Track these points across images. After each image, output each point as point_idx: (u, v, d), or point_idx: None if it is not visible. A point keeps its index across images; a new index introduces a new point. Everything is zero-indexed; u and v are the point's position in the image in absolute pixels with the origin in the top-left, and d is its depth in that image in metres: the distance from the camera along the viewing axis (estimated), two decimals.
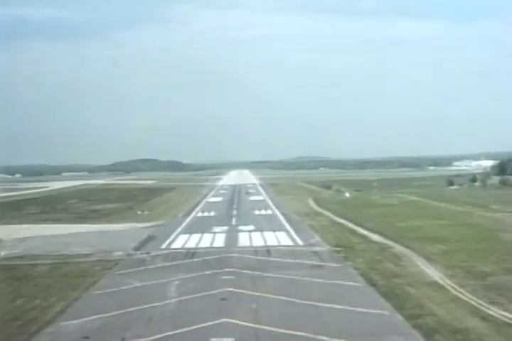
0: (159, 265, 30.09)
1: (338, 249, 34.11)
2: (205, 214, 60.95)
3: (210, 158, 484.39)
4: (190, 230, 45.20)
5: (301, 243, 36.87)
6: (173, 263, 30.49)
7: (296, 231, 42.89)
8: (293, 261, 30.22)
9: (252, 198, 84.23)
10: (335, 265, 29.06)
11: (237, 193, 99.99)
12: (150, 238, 41.13)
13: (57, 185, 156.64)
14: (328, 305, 20.98)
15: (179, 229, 46.11)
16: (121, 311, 20.68)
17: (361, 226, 45.37)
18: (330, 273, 27.14)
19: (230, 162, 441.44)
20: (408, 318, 19.55)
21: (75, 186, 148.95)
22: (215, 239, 39.55)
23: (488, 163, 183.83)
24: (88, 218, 60.30)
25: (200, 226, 48.35)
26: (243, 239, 38.85)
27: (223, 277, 25.79)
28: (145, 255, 33.38)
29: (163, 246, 36.82)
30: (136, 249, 35.88)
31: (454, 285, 24.53)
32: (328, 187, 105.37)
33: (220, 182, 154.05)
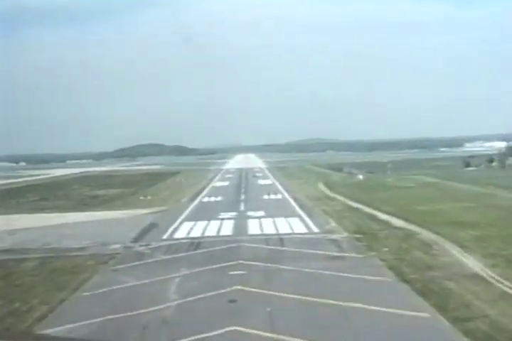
0: (159, 258, 26.73)
1: (358, 236, 30.68)
2: (212, 199, 57.65)
3: (216, 143, 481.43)
4: (195, 217, 41.91)
5: (316, 230, 33.42)
6: (176, 255, 27.13)
7: (310, 216, 39.47)
8: (309, 251, 26.76)
9: (260, 182, 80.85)
10: (357, 255, 25.68)
11: (244, 177, 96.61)
12: (151, 226, 37.86)
13: (60, 172, 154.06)
14: (356, 306, 17.63)
15: (183, 216, 42.84)
16: (111, 317, 17.39)
17: (380, 210, 41.91)
18: (353, 265, 23.77)
19: (235, 146, 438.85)
20: (455, 322, 16.19)
21: (78, 173, 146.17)
22: (223, 226, 36.19)
23: (501, 145, 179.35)
24: (88, 205, 57.13)
25: (207, 212, 45.09)
26: (253, 227, 35.46)
27: (232, 272, 22.45)
28: (144, 247, 30.10)
29: (165, 235, 33.41)
30: (136, 239, 32.57)
31: (498, 277, 21.11)
32: (339, 170, 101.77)
33: (226, 166, 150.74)
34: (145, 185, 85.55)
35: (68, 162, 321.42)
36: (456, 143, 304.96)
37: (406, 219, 36.31)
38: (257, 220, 38.32)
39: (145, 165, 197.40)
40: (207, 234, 33.32)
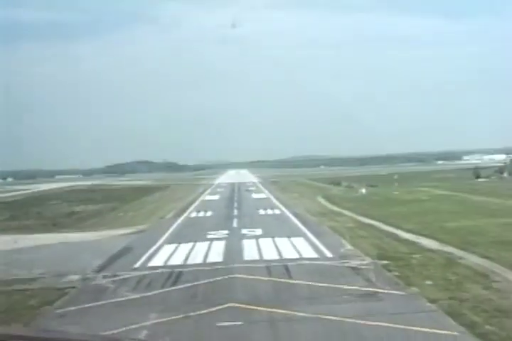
0: (123, 297, 19.57)
1: (385, 262, 23.73)
2: (200, 214, 50.62)
3: (206, 159, 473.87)
4: (179, 237, 34.88)
5: (329, 254, 26.34)
6: (146, 293, 19.98)
7: (318, 236, 32.49)
8: (327, 285, 19.72)
9: (254, 196, 73.90)
10: (393, 292, 18.70)
11: (236, 191, 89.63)
12: (124, 251, 30.75)
13: (44, 187, 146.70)
14: None
15: (165, 236, 35.78)
16: None
17: (399, 228, 35.13)
18: (392, 309, 16.72)
19: (226, 163, 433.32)
20: None
21: (62, 187, 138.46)
22: (212, 249, 29.08)
23: (501, 157, 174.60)
24: (59, 225, 49.85)
25: (193, 230, 38.11)
26: (249, 249, 28.32)
27: (221, 323, 15.42)
28: (108, 279, 23.02)
29: (138, 263, 26.17)
30: (101, 269, 25.43)
31: None
32: (337, 184, 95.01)
33: (217, 181, 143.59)
34: (128, 199, 78.39)
35: (57, 177, 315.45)
36: (452, 156, 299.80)
37: (437, 239, 29.51)
38: (253, 241, 31.29)
39: (134, 180, 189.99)
40: (191, 260, 26.07)
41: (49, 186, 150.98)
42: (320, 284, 19.88)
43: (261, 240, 31.39)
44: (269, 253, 26.79)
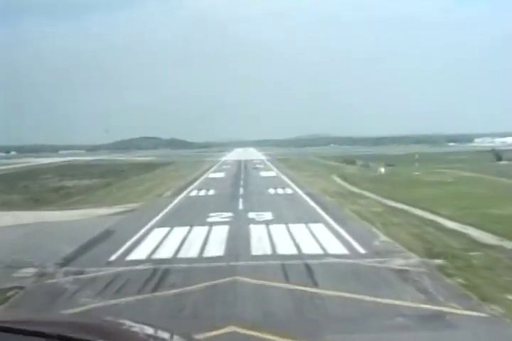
0: (80, 307, 13.88)
1: (439, 262, 17.95)
2: (202, 193, 44.91)
3: (214, 137, 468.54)
4: (173, 219, 29.19)
5: (361, 248, 20.37)
6: (114, 301, 14.27)
7: (341, 222, 26.67)
8: (369, 298, 13.78)
9: (263, 174, 68.06)
10: (469, 314, 12.84)
11: (243, 168, 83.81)
12: (104, 236, 25.10)
13: (43, 161, 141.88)
14: None
15: (157, 218, 30.07)
16: None
17: (437, 213, 29.32)
18: None
19: (233, 141, 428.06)
20: None
21: (61, 162, 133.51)
22: (211, 237, 23.33)
23: None
24: (43, 200, 44.32)
25: (191, 212, 32.45)
26: (258, 240, 22.38)
27: None
28: (70, 277, 17.35)
29: (116, 255, 20.33)
30: (65, 261, 19.74)
31: None
32: (351, 162, 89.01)
33: (224, 158, 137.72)
34: (126, 175, 72.86)
35: (61, 152, 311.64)
36: (463, 138, 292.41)
37: (490, 231, 23.65)
38: (263, 228, 25.50)
39: (138, 156, 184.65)
40: (183, 253, 20.24)
41: (48, 160, 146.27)
42: (357, 296, 14.08)
43: (272, 227, 25.59)
44: (284, 246, 20.96)
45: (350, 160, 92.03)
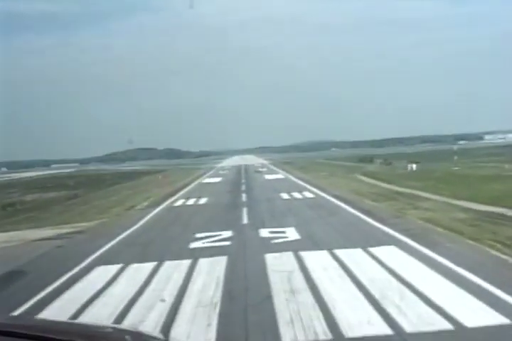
0: None
1: None
2: (190, 201, 32.97)
3: (211, 146, 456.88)
4: (132, 248, 17.22)
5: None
6: None
7: (426, 242, 14.79)
8: None
9: (268, 177, 56.19)
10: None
11: (243, 172, 72.00)
12: (14, 278, 13.48)
13: (26, 175, 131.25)
14: None
15: (108, 246, 17.99)
16: None
17: None
18: None
19: (231, 149, 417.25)
20: None
21: (42, 175, 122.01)
22: (192, 289, 11.40)
23: None
24: None
25: (167, 232, 20.53)
26: (289, 291, 10.48)
27: None
28: None
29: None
30: None
31: None
32: (369, 161, 77.29)
33: (221, 165, 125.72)
34: (104, 184, 61.04)
35: (53, 166, 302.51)
36: (469, 137, 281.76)
37: None
38: (289, 259, 13.66)
39: (129, 166, 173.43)
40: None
41: (32, 174, 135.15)
42: None
43: (306, 257, 13.68)
44: (352, 311, 9.00)
45: (367, 159, 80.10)
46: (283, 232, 17.87)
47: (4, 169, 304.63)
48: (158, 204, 32.21)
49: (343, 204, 25.75)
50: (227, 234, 18.43)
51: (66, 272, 14.07)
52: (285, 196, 32.07)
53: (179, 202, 32.69)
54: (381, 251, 13.97)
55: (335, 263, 12.81)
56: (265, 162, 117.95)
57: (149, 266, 13.96)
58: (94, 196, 44.83)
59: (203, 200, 32.81)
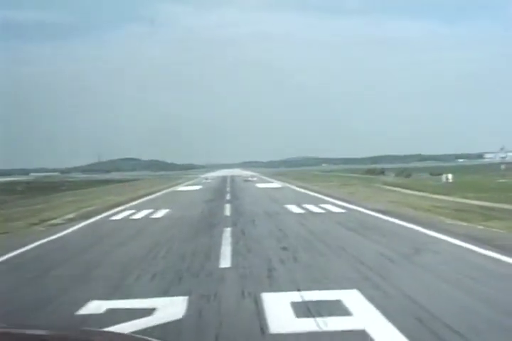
0: None
1: None
2: (139, 214, 20.40)
3: (195, 159, 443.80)
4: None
5: None
6: None
7: None
8: None
9: (260, 185, 43.84)
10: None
11: (229, 181, 59.39)
12: None
13: None
14: None
15: None
16: None
17: None
18: None
19: (216, 163, 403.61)
20: None
21: (4, 181, 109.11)
22: None
23: None
24: None
25: (79, 270, 8.37)
26: None
27: None
28: None
29: None
30: None
31: None
32: (379, 173, 65.46)
33: (205, 175, 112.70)
34: (53, 191, 48.46)
35: (32, 174, 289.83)
36: (467, 156, 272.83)
37: None
38: None
39: (110, 176, 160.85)
40: None
41: None
42: None
43: None
44: None
45: (376, 171, 68.10)
46: (323, 287, 5.67)
47: None
48: (87, 217, 19.74)
49: (414, 226, 13.60)
50: (181, 306, 6.19)
51: None
52: (295, 209, 19.85)
53: (122, 215, 20.27)
54: None
55: None
56: (254, 173, 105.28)
57: None
58: (23, 203, 32.41)
59: (160, 213, 20.40)
